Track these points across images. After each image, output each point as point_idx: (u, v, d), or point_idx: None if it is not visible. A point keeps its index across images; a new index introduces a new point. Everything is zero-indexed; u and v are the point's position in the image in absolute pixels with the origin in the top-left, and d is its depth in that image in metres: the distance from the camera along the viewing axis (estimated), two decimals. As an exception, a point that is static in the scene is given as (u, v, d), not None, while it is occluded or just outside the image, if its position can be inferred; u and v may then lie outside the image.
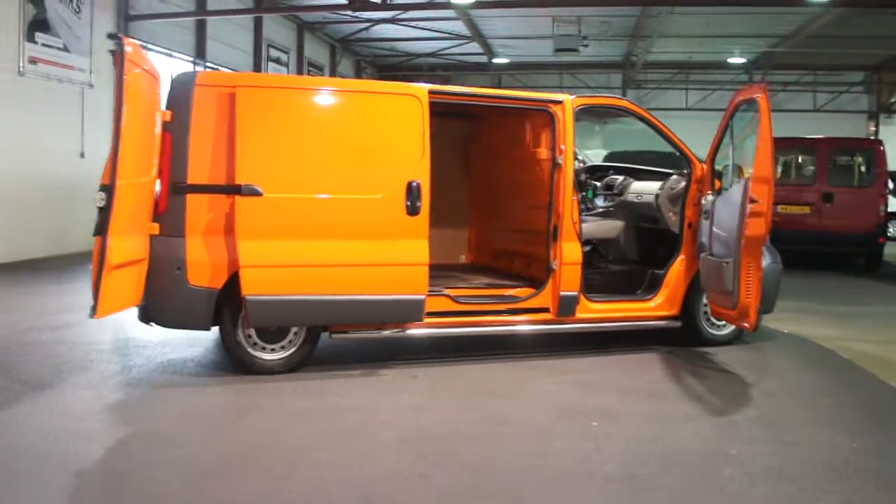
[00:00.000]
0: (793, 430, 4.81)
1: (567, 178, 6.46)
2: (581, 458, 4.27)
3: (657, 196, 7.18)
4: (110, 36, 4.82)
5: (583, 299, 6.61)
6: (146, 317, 5.68)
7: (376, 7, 16.85)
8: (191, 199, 5.53)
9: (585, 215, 7.87)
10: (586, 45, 21.51)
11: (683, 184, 7.00)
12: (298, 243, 5.64)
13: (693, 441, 4.56)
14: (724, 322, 7.04)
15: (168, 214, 5.53)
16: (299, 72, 22.76)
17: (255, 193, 5.49)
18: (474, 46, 24.80)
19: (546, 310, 6.53)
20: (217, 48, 18.20)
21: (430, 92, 6.03)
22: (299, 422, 4.80)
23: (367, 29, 23.09)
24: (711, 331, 7.09)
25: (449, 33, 23.29)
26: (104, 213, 4.72)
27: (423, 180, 5.87)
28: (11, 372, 5.64)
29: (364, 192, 5.79)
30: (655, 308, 6.88)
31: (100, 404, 5.04)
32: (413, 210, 5.83)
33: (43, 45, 12.19)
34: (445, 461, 4.19)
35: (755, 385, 5.89)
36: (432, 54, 26.18)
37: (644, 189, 7.47)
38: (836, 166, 13.39)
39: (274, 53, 21.26)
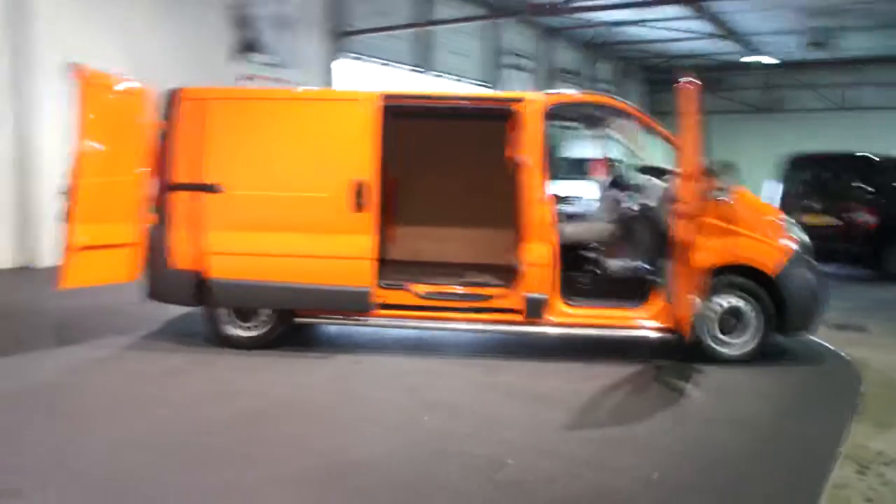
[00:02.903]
0: (620, 454, 4.43)
1: (532, 178, 6.38)
2: (350, 446, 4.46)
3: (659, 198, 6.71)
4: (68, 65, 5.95)
5: (557, 303, 6.45)
6: (149, 294, 6.80)
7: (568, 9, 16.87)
8: (176, 195, 6.54)
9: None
10: (842, 39, 19.33)
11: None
12: (256, 235, 6.40)
13: (489, 446, 4.47)
14: (738, 340, 6.43)
15: (161, 207, 6.60)
16: (547, 77, 23.28)
17: (219, 191, 6.35)
18: (735, 45, 23.28)
19: (517, 311, 6.50)
20: (446, 57, 19.39)
21: (385, 97, 6.39)
22: (190, 385, 5.60)
23: (609, 32, 22.89)
24: (718, 347, 6.46)
25: (700, 33, 22.20)
26: (69, 204, 5.89)
27: (370, 179, 6.26)
28: (62, 329, 7.20)
29: (315, 190, 6.35)
30: (647, 318, 6.45)
31: (67, 359, 6.28)
32: (359, 207, 6.26)
33: (254, 62, 14.29)
34: (223, 431, 4.68)
35: (686, 407, 5.36)
36: (693, 55, 25.06)
37: (657, 191, 6.98)
38: None
39: (513, 60, 22.02)
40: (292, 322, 6.66)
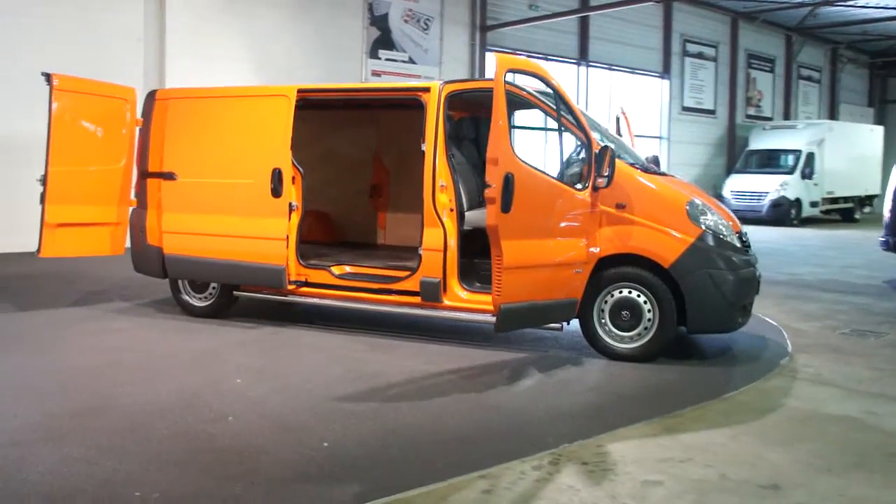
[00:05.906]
0: (352, 425, 4.61)
1: (428, 165, 6.55)
2: (129, 395, 5.09)
3: None
4: (42, 74, 7.19)
5: (455, 287, 6.57)
6: (134, 267, 7.94)
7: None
8: (150, 182, 7.60)
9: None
10: None
11: (577, 169, 6.25)
12: (199, 216, 7.30)
13: (242, 406, 4.87)
14: (631, 333, 6.13)
15: (139, 193, 7.71)
16: (733, 65, 21.83)
17: (172, 178, 7.32)
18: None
19: (417, 293, 6.71)
20: (607, 48, 19.00)
21: (299, 91, 6.92)
22: (110, 340, 6.63)
23: (812, 14, 20.86)
24: (610, 341, 6.19)
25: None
26: (43, 189, 7.16)
27: (286, 167, 6.84)
28: (88, 294, 8.60)
29: (243, 177, 7.08)
30: (539, 307, 6.33)
31: (63, 315, 7.58)
32: (276, 192, 6.87)
33: (386, 59, 15.30)
34: (68, 374, 5.54)
35: (495, 395, 5.28)
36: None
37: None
38: None
39: (693, 48, 20.95)
40: (232, 294, 7.44)
